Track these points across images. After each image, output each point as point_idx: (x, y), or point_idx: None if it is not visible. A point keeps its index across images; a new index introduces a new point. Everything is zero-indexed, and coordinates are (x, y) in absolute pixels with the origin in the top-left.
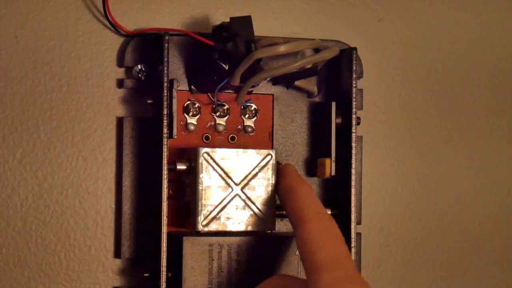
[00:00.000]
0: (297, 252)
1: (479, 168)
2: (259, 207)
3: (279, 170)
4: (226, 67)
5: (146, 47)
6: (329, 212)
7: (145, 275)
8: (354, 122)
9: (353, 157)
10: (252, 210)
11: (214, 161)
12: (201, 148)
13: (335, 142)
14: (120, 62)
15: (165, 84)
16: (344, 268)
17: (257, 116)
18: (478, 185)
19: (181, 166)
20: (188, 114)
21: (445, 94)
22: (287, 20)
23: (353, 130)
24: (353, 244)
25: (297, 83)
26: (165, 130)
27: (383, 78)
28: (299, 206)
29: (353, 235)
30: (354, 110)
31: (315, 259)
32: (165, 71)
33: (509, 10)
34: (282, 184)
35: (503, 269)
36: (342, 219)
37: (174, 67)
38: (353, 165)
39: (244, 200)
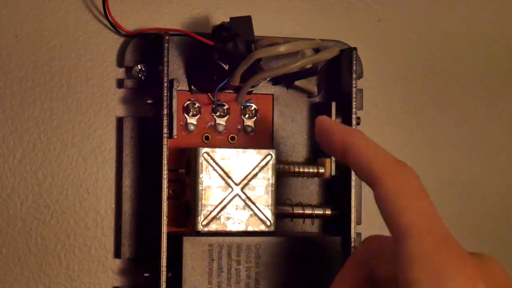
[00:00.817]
0: (297, 252)
1: (479, 168)
2: (259, 207)
3: (318, 127)
4: (226, 67)
5: (146, 47)
6: (329, 212)
7: (145, 275)
8: (354, 122)
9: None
10: (252, 210)
11: (214, 161)
12: (201, 148)
13: None
14: (120, 62)
15: (165, 84)
16: (433, 233)
17: (257, 116)
18: (478, 185)
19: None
20: (188, 114)
21: (445, 94)
22: (287, 20)
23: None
24: (353, 244)
25: (297, 83)
26: (165, 130)
27: (383, 78)
28: (364, 164)
29: (353, 235)
30: (354, 110)
31: (398, 225)
32: (165, 71)
33: (510, 10)
34: (332, 139)
35: None
36: (342, 219)
37: (174, 67)
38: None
39: (244, 200)
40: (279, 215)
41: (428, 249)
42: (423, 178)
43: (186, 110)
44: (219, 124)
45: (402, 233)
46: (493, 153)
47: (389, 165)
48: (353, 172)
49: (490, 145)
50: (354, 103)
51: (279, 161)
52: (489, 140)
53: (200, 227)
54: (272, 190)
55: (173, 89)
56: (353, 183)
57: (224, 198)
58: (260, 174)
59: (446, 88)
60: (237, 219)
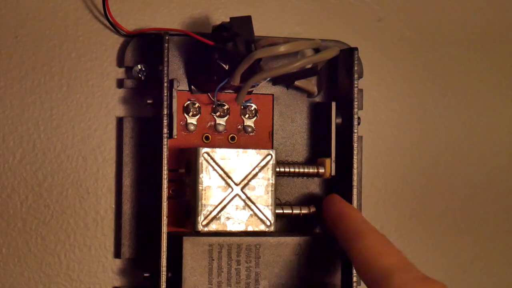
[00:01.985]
0: (297, 252)
1: (479, 168)
2: (259, 207)
3: (325, 201)
4: (226, 67)
5: (146, 47)
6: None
7: (145, 275)
8: (355, 122)
9: (354, 157)
10: (252, 210)
11: (214, 161)
12: (201, 148)
13: (335, 142)
14: (120, 62)
15: (165, 84)
16: (415, 270)
17: (257, 116)
18: (478, 185)
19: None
20: (188, 114)
21: (445, 94)
22: (287, 20)
23: (355, 130)
24: None
25: (297, 83)
26: (165, 130)
27: (383, 78)
28: (354, 224)
29: None
30: (356, 110)
31: (383, 265)
32: (165, 71)
33: (510, 10)
34: (331, 210)
35: (503, 270)
36: None
37: (174, 67)
38: (355, 165)
39: (244, 200)
40: (279, 215)
41: (414, 278)
42: (423, 177)
43: (186, 110)
44: (219, 124)
45: (388, 271)
46: (494, 153)
47: (375, 230)
48: (354, 173)
49: (491, 143)
50: (356, 103)
51: (279, 161)
52: (490, 139)
53: (200, 227)
54: (272, 190)
55: (173, 89)
56: (353, 183)
57: (224, 198)
58: (260, 174)
59: (446, 88)
60: (237, 219)
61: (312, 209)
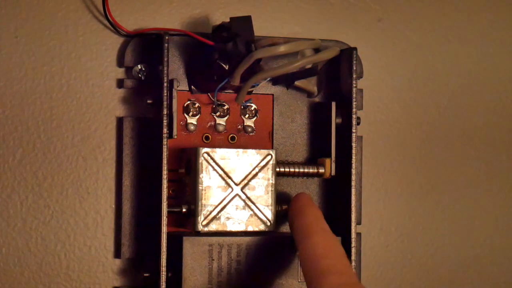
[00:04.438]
0: (297, 252)
1: (479, 167)
2: (259, 207)
3: (292, 198)
4: (226, 67)
5: (146, 47)
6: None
7: (145, 275)
8: (354, 122)
9: (353, 157)
10: (252, 210)
11: (214, 161)
12: (201, 148)
13: (335, 142)
14: (120, 62)
15: (165, 84)
16: (348, 275)
17: (257, 116)
18: (479, 185)
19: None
20: (188, 114)
21: (445, 94)
22: (287, 20)
23: (353, 130)
24: (353, 244)
25: (297, 83)
26: (165, 130)
27: (383, 78)
28: (305, 223)
29: (353, 235)
30: (354, 110)
31: (320, 267)
32: (165, 71)
33: (510, 10)
34: (292, 207)
35: (503, 269)
36: (342, 219)
37: (174, 67)
38: (353, 165)
39: (244, 200)
40: (279, 215)
41: (344, 283)
42: (423, 177)
43: (186, 110)
44: (219, 124)
45: (323, 273)
46: (494, 152)
47: (325, 230)
48: (353, 173)
49: (490, 144)
50: (354, 103)
51: (279, 161)
52: (489, 139)
53: (200, 227)
54: (272, 190)
55: (173, 89)
56: (353, 183)
57: (224, 198)
58: (260, 174)
59: (446, 88)
60: (237, 219)
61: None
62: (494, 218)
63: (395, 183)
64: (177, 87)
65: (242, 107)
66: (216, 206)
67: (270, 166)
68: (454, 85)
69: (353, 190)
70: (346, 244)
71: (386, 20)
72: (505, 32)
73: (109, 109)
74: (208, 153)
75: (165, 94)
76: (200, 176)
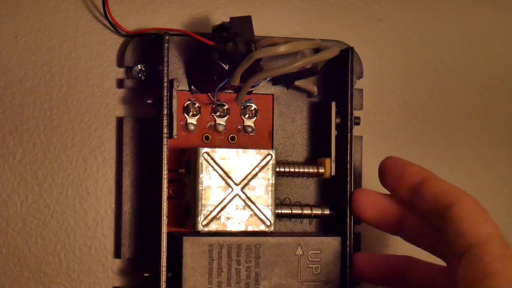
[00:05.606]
0: (297, 252)
1: (479, 168)
2: (259, 207)
3: (389, 164)
4: (226, 67)
5: (146, 47)
6: (328, 212)
7: (145, 275)
8: (351, 122)
9: (351, 156)
10: (252, 210)
11: (214, 161)
12: (201, 148)
13: (335, 142)
14: (120, 62)
15: (165, 84)
16: (507, 246)
17: (257, 116)
18: (479, 185)
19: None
20: (188, 114)
21: (445, 94)
22: (287, 20)
23: (351, 130)
24: (352, 244)
25: (297, 83)
26: (165, 130)
27: (383, 78)
28: (447, 189)
29: (352, 235)
30: (350, 110)
31: (481, 233)
32: (165, 71)
33: (509, 11)
34: (410, 171)
35: None
36: (342, 219)
37: (174, 67)
38: (350, 165)
39: (244, 200)
40: (279, 215)
41: (509, 254)
42: None
43: (186, 110)
44: (219, 124)
45: (485, 239)
46: (494, 153)
47: (469, 195)
48: (352, 172)
49: (490, 144)
50: (350, 102)
51: (279, 161)
52: (489, 139)
53: (200, 227)
54: (272, 190)
55: (173, 89)
56: (352, 183)
57: (224, 198)
58: (260, 174)
59: (446, 88)
60: (237, 219)
61: (313, 209)
62: (494, 218)
63: None
64: (177, 87)
65: (242, 107)
66: (216, 206)
67: (270, 166)
68: (454, 85)
69: (352, 190)
70: (346, 244)
71: (386, 20)
72: (505, 32)
73: (109, 109)
74: (208, 153)
75: (165, 94)
76: (200, 176)
